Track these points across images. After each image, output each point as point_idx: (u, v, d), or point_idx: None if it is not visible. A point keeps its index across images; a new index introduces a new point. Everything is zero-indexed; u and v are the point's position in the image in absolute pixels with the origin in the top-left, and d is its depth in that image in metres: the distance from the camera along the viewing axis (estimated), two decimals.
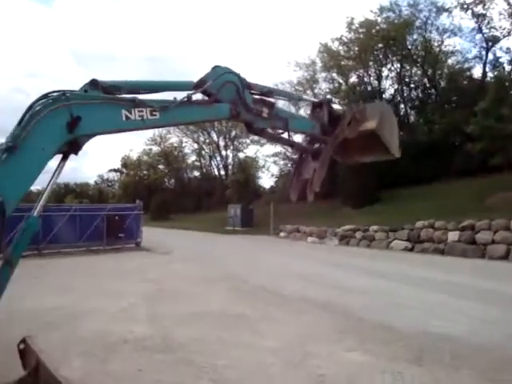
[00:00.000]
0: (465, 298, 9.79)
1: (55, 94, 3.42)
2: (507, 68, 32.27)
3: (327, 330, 7.47)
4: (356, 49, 36.91)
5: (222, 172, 59.03)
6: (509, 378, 5.37)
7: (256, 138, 50.13)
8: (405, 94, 37.71)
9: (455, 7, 33.20)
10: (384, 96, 36.45)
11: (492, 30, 33.51)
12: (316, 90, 41.16)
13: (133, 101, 3.71)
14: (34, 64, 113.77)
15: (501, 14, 32.28)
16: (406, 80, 37.47)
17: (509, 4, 30.81)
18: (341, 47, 38.32)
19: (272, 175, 50.53)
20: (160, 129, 51.16)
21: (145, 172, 63.71)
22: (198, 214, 48.32)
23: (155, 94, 4.10)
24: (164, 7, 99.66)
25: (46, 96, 3.40)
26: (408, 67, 37.08)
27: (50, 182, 3.64)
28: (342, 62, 38.36)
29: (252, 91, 4.57)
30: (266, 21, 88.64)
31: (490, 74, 33.28)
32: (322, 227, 25.16)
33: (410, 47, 35.59)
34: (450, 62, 37.12)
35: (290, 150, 42.35)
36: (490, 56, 33.87)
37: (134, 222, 22.16)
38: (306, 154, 5.33)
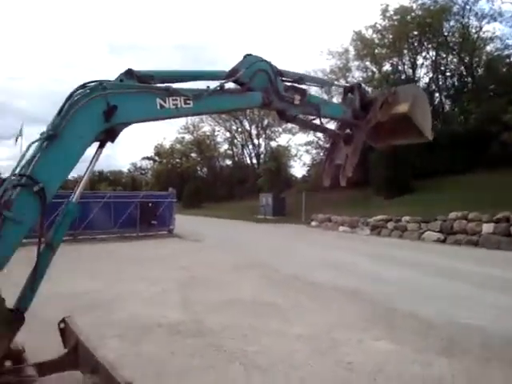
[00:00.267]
0: (495, 289, 9.69)
1: (92, 83, 3.53)
2: None
3: (356, 319, 7.51)
4: (390, 36, 36.24)
5: (254, 161, 59.12)
6: None
7: (288, 126, 50.31)
8: (440, 83, 36.91)
9: None
10: (418, 85, 35.75)
11: None
12: (349, 79, 40.59)
13: (167, 90, 3.79)
14: (69, 54, 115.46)
15: None
16: (442, 68, 36.58)
17: None
18: (375, 35, 37.75)
19: (304, 164, 50.22)
20: (193, 117, 51.33)
21: (177, 160, 64.21)
22: (230, 202, 48.49)
23: (188, 83, 4.19)
24: None
25: (83, 86, 3.52)
26: (444, 55, 36.13)
27: (87, 169, 3.78)
28: (376, 50, 37.79)
29: (283, 78, 4.61)
30: (299, 8, 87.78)
31: None
32: (354, 217, 25.02)
33: (446, 34, 34.72)
34: (488, 48, 35.84)
35: (322, 138, 42.32)
36: None
37: (167, 209, 22.45)
38: (338, 140, 5.34)
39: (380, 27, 36.73)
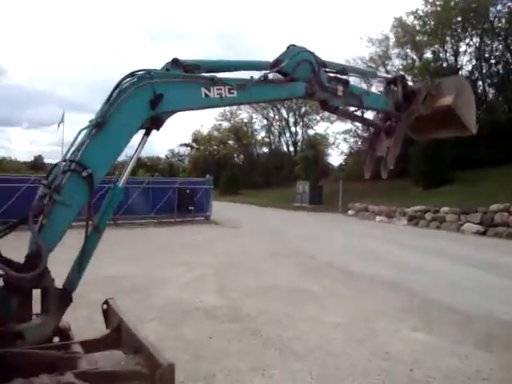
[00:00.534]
0: None
1: (140, 72, 3.63)
2: None
3: (392, 309, 7.50)
4: (432, 23, 35.20)
5: (291, 148, 58.86)
6: None
7: (326, 114, 49.82)
8: (484, 71, 35.73)
9: None
10: (461, 72, 34.79)
11: None
12: (388, 67, 39.89)
13: (212, 79, 3.87)
14: (110, 42, 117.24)
15: None
16: (486, 55, 35.41)
17: None
18: (416, 21, 36.70)
19: (341, 153, 49.73)
20: None
21: (215, 147, 64.40)
22: (267, 189, 48.49)
23: (232, 73, 4.25)
24: None
25: (132, 74, 3.62)
26: (489, 41, 34.96)
27: (133, 155, 3.89)
28: (417, 38, 36.79)
29: (326, 69, 4.63)
30: None
31: None
32: (391, 207, 24.75)
33: (492, 19, 33.53)
34: None
35: (360, 127, 41.83)
36: None
37: (204, 196, 22.67)
38: (379, 131, 5.33)
39: (422, 13, 35.71)
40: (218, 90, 3.88)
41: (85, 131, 3.54)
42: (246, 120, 63.10)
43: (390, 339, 6.04)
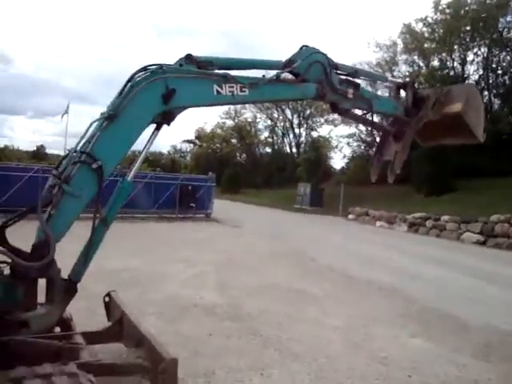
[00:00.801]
0: None
1: (153, 66, 3.63)
2: None
3: (391, 314, 7.51)
4: (441, 31, 35.16)
5: (294, 150, 58.87)
6: None
7: (330, 118, 49.96)
8: (490, 81, 35.74)
9: None
10: (467, 82, 34.75)
11: None
12: (395, 73, 39.90)
13: (224, 76, 3.87)
14: (117, 36, 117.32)
15: None
16: (493, 66, 35.40)
17: None
18: (425, 28, 36.65)
19: (344, 156, 49.72)
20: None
21: (217, 145, 64.42)
22: (268, 189, 48.50)
23: (244, 72, 4.25)
24: None
25: (144, 68, 3.62)
26: (497, 52, 34.95)
27: (143, 149, 3.89)
28: (425, 45, 36.76)
29: (338, 71, 4.63)
30: None
31: None
32: (392, 212, 24.78)
33: (501, 30, 33.57)
34: None
35: (364, 132, 41.84)
36: None
37: (206, 193, 22.71)
38: (387, 136, 5.33)
39: (431, 21, 35.69)
40: (230, 87, 3.87)
41: (96, 123, 3.54)
42: (250, 119, 63.16)
43: (389, 344, 6.04)
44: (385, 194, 27.31)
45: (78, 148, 3.48)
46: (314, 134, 56.08)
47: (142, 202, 19.78)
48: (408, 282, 9.99)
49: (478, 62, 35.97)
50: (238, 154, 64.97)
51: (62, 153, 41.19)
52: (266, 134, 63.82)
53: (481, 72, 35.95)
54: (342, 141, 48.32)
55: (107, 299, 4.86)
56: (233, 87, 3.90)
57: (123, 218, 18.52)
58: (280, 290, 8.58)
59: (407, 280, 10.24)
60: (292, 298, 8.02)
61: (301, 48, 4.43)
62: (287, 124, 59.73)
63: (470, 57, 36.02)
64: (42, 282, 3.39)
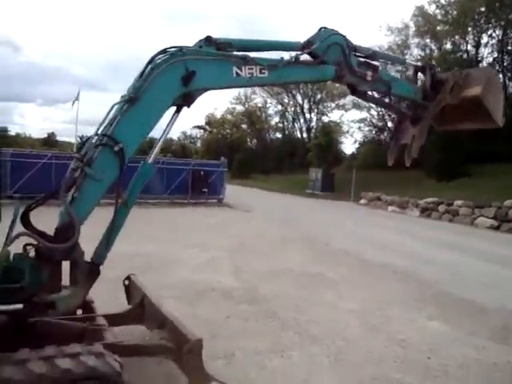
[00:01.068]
0: None
1: (173, 49, 3.62)
2: None
3: (407, 298, 7.53)
4: (454, 12, 34.61)
5: (305, 135, 58.58)
6: None
7: (341, 102, 49.74)
8: (505, 64, 35.22)
9: None
10: (481, 65, 34.20)
11: None
12: (407, 57, 39.38)
13: (244, 58, 3.85)
14: (125, 21, 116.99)
15: None
16: (509, 48, 34.72)
17: None
18: (438, 10, 35.96)
19: (355, 141, 49.59)
20: (245, 88, 51.12)
21: (228, 130, 64.32)
22: (278, 175, 48.38)
23: (261, 53, 4.22)
24: None
25: (164, 51, 3.61)
26: None
27: (163, 133, 3.91)
28: (438, 27, 36.17)
29: (357, 53, 4.59)
30: None
31: None
32: (404, 197, 24.66)
33: None
34: None
35: (376, 116, 41.61)
36: None
37: (218, 178, 22.71)
38: (405, 120, 5.28)
39: (444, 2, 35.00)
40: (249, 69, 3.86)
41: (117, 106, 3.54)
42: (260, 104, 62.87)
43: (406, 327, 6.06)
44: (396, 179, 27.18)
45: (100, 131, 3.50)
46: (325, 119, 55.78)
47: (155, 187, 19.82)
48: (422, 266, 9.97)
49: (492, 45, 35.14)
50: (248, 140, 64.83)
51: (72, 140, 41.40)
52: (277, 119, 63.54)
53: (495, 55, 35.23)
54: (353, 126, 48.16)
55: (127, 282, 4.91)
56: (252, 69, 3.88)
57: (136, 203, 18.57)
58: (294, 273, 8.60)
59: (421, 264, 10.22)
60: (307, 282, 8.04)
61: (319, 29, 4.38)
62: (298, 109, 59.33)
63: (485, 39, 35.17)
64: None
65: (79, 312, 3.86)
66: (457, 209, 21.13)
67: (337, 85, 42.71)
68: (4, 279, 3.01)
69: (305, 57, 4.28)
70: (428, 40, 38.25)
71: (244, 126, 64.48)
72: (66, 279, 3.49)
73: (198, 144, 77.40)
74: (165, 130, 3.87)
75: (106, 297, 5.60)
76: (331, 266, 9.45)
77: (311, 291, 7.46)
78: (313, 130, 56.79)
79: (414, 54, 39.50)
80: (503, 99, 5.37)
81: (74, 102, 31.93)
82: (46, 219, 3.48)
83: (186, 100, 3.73)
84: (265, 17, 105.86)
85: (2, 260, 2.97)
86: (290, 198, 30.29)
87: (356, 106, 44.10)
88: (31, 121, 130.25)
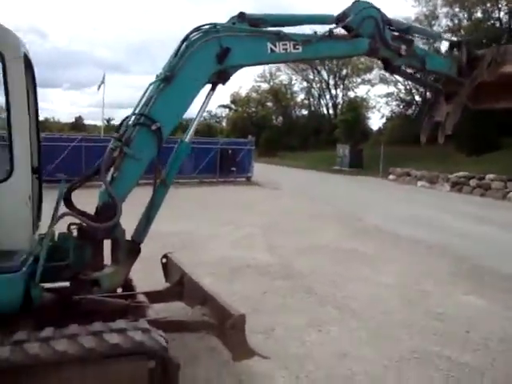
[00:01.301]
0: None
1: (206, 26, 3.59)
2: None
3: (442, 272, 7.47)
4: None
5: (331, 111, 57.98)
6: None
7: (367, 77, 48.97)
8: None
9: None
10: None
11: None
12: (435, 28, 38.36)
13: (278, 34, 3.81)
14: (146, 3, 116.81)
15: None
16: None
17: None
18: None
19: (382, 116, 48.89)
20: (270, 65, 50.69)
21: (253, 109, 64.03)
22: (305, 152, 48.06)
23: (294, 28, 4.17)
24: None
25: (198, 29, 3.59)
26: None
27: (199, 110, 3.91)
28: None
29: (391, 27, 4.49)
30: None
31: None
32: (433, 172, 24.30)
33: None
34: None
35: (403, 91, 40.89)
36: None
37: (246, 156, 22.69)
38: (439, 96, 5.16)
39: None
40: (283, 45, 3.82)
41: (153, 85, 3.55)
42: (285, 82, 62.29)
43: (443, 301, 6.03)
44: (424, 154, 26.70)
45: (137, 111, 3.51)
46: (351, 95, 55.08)
47: (183, 167, 19.93)
48: (456, 241, 9.86)
49: None
50: (273, 117, 64.47)
51: (99, 123, 41.66)
52: (302, 95, 62.85)
53: None
54: (379, 100, 47.47)
55: (164, 260, 4.98)
56: (286, 45, 3.84)
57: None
58: (329, 249, 8.62)
59: (455, 239, 10.10)
60: (342, 258, 8.05)
61: (354, 2, 4.30)
62: (323, 85, 58.62)
63: None
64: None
65: (119, 290, 3.94)
66: (489, 183, 20.73)
67: (362, 59, 42.39)
68: (50, 258, 3.07)
69: (338, 31, 4.22)
70: (457, 9, 36.97)
71: (269, 104, 64.08)
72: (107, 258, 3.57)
73: (224, 123, 77.24)
74: (201, 108, 3.87)
75: (145, 274, 5.72)
76: (365, 241, 9.42)
77: (346, 266, 7.47)
78: (339, 106, 56.12)
79: (443, 24, 38.24)
80: None
81: (99, 86, 32.03)
82: (80, 200, 3.52)
83: (221, 77, 3.72)
84: None
85: (47, 239, 3.03)
86: (318, 175, 30.11)
87: (383, 81, 43.39)
88: (59, 105, 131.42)
